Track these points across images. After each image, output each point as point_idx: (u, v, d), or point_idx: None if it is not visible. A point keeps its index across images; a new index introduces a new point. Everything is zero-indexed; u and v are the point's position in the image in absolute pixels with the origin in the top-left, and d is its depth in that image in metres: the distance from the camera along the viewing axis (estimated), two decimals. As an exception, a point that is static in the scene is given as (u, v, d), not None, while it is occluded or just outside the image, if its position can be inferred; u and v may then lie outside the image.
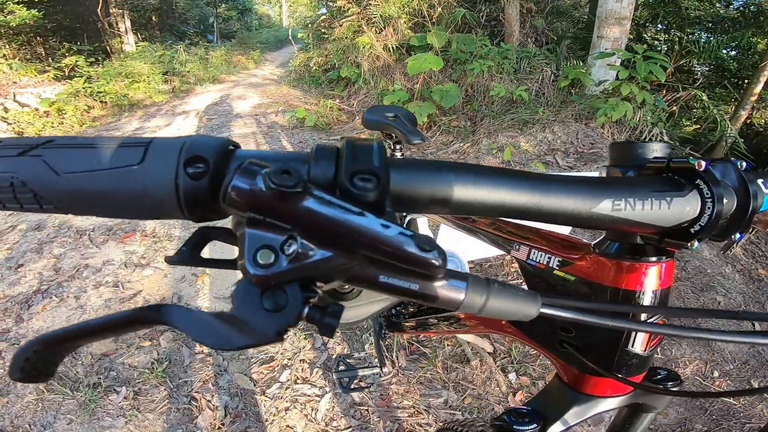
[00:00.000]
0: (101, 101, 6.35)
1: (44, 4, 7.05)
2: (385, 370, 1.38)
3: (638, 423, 0.52)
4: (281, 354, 1.75)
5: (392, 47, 5.02)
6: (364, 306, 0.30)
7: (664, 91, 4.52)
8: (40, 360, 0.26)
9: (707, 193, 0.32)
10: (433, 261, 0.22)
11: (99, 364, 1.69)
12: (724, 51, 5.60)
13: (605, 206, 0.31)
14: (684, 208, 0.33)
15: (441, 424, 1.34)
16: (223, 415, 1.49)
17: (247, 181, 0.22)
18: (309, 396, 1.58)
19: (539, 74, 4.25)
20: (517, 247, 0.57)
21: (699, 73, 5.98)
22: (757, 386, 1.66)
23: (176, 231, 2.62)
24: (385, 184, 0.24)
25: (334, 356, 1.74)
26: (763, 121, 6.64)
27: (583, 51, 4.68)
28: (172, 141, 0.25)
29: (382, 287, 0.24)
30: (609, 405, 0.48)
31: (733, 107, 5.25)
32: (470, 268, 2.28)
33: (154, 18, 11.36)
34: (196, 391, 1.58)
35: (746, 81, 5.15)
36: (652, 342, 0.43)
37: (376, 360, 1.42)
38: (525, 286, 0.55)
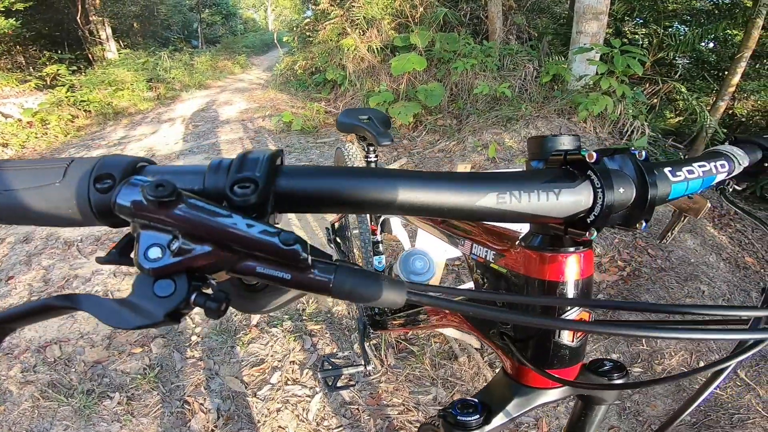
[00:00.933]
0: (85, 110, 6.29)
1: (22, 12, 6.96)
2: (369, 367, 1.41)
3: (592, 415, 0.53)
4: (271, 356, 1.77)
5: (376, 48, 5.04)
6: (269, 296, 0.33)
7: (647, 84, 4.59)
8: None
9: (598, 184, 0.34)
10: (295, 253, 0.27)
11: (92, 371, 1.71)
12: (703, 44, 5.69)
13: (489, 200, 0.33)
14: (576, 198, 0.34)
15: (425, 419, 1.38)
16: (215, 417, 1.52)
17: (128, 195, 0.26)
18: (300, 396, 1.60)
19: (522, 71, 4.29)
20: (462, 242, 0.59)
21: (679, 66, 6.07)
22: (743, 375, 1.68)
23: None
24: (264, 189, 0.28)
25: (322, 356, 1.77)
26: (745, 111, 6.75)
27: (564, 46, 4.73)
28: (88, 160, 0.29)
29: (261, 276, 0.28)
30: (550, 397, 0.48)
31: (714, 98, 5.34)
32: (456, 265, 2.32)
33: (135, 25, 11.26)
34: (188, 395, 1.60)
35: (725, 72, 5.24)
36: (580, 333, 0.44)
37: (361, 358, 1.45)
38: (471, 281, 0.58)
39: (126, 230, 0.29)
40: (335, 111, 5.30)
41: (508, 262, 0.47)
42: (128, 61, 8.24)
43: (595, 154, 0.34)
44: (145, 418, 1.52)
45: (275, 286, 0.31)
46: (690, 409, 0.37)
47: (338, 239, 1.68)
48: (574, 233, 0.36)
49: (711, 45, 6.01)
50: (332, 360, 1.43)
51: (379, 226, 1.32)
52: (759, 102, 6.32)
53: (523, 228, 0.47)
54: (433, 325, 0.92)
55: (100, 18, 9.07)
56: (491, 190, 0.33)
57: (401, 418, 1.53)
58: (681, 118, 6.07)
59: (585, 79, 3.87)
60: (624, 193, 0.34)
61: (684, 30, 5.45)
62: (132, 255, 0.30)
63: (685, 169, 0.40)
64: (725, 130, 6.27)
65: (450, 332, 1.83)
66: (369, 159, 1.31)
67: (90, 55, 8.93)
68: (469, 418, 0.48)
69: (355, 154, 1.57)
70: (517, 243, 0.46)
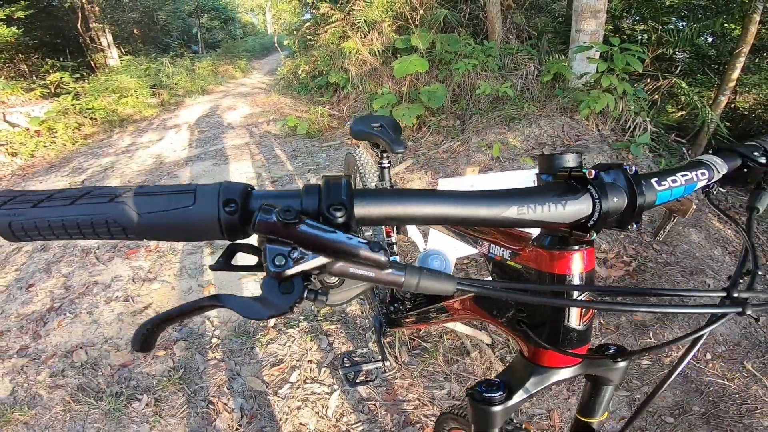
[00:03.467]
0: (91, 118, 6.36)
1: (23, 21, 7.03)
2: (387, 363, 1.46)
3: (601, 395, 0.60)
4: (289, 356, 1.83)
5: (378, 51, 5.09)
6: (346, 291, 0.41)
7: (648, 80, 4.61)
8: (149, 336, 0.40)
9: (596, 196, 0.42)
10: (380, 257, 0.35)
11: (119, 374, 1.78)
12: (702, 39, 5.70)
13: (512, 212, 0.41)
14: (579, 207, 0.42)
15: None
16: (239, 416, 1.58)
17: (266, 217, 0.34)
18: (319, 394, 1.66)
19: (523, 70, 4.32)
20: (481, 243, 0.66)
21: (680, 61, 6.09)
22: (749, 366, 1.73)
23: (179, 245, 2.69)
24: (350, 210, 0.37)
25: (339, 355, 1.83)
26: (747, 104, 6.77)
27: (564, 45, 4.76)
28: (211, 187, 0.36)
29: (352, 276, 0.37)
30: (563, 375, 0.55)
31: (715, 93, 5.35)
32: (465, 264, 2.37)
33: (136, 31, 11.31)
34: (212, 396, 1.66)
35: (725, 67, 5.26)
36: (585, 317, 0.51)
37: (379, 355, 1.50)
38: (489, 277, 0.65)
39: (225, 244, 0.36)
40: (339, 114, 5.35)
41: (523, 259, 0.54)
42: (130, 67, 8.32)
43: (594, 172, 0.42)
44: (173, 419, 1.58)
45: (348, 282, 0.39)
46: (672, 377, 0.44)
47: None
48: (578, 235, 0.44)
49: (710, 40, 6.02)
50: (351, 357, 1.48)
51: (394, 228, 1.38)
52: (761, 95, 6.33)
53: (535, 230, 0.53)
54: (446, 320, 0.98)
55: (101, 25, 9.12)
56: (514, 204, 0.42)
57: (417, 412, 1.58)
58: (684, 113, 6.09)
59: (586, 77, 3.90)
60: (617, 201, 0.42)
61: (682, 25, 5.47)
62: (232, 262, 0.39)
63: (669, 178, 0.48)
64: (728, 124, 6.28)
65: (461, 328, 1.88)
66: (383, 165, 1.37)
67: (92, 63, 9.00)
68: (494, 395, 0.55)
69: (366, 159, 1.63)
70: (530, 243, 0.52)
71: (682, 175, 0.49)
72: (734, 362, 1.81)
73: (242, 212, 0.36)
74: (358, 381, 1.45)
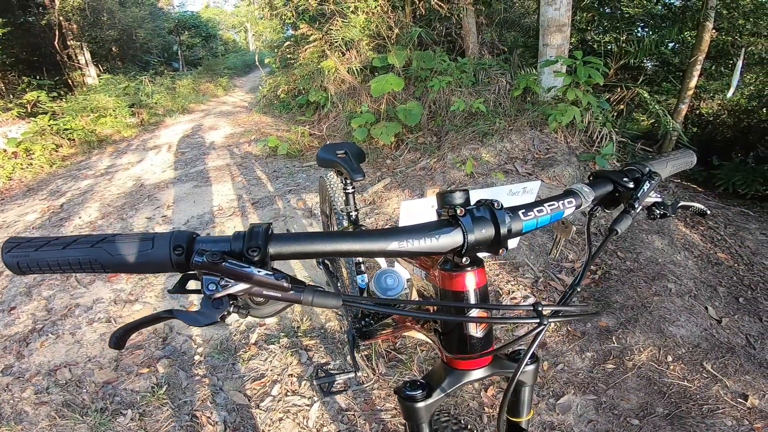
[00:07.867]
0: (69, 138, 6.29)
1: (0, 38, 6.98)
2: (359, 374, 1.53)
3: (520, 396, 0.68)
4: (271, 371, 1.89)
5: (356, 69, 5.19)
6: (271, 306, 0.52)
7: (618, 90, 4.73)
8: (122, 338, 0.53)
9: (464, 230, 0.52)
10: (281, 284, 0.46)
11: (103, 390, 1.82)
12: (666, 47, 5.86)
13: (394, 245, 0.52)
14: (452, 239, 0.53)
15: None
16: (223, 429, 1.63)
17: (200, 258, 0.46)
18: (299, 406, 1.72)
19: (495, 85, 4.42)
20: (411, 265, 0.75)
21: (647, 69, 6.27)
22: (709, 368, 1.82)
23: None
24: (264, 250, 0.49)
25: (316, 366, 1.89)
26: (711, 110, 7.02)
27: (534, 59, 4.85)
28: (166, 236, 0.48)
29: (266, 296, 0.48)
30: (474, 376, 0.62)
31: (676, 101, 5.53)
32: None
33: (114, 49, 11.28)
34: (196, 409, 1.72)
35: (683, 74, 5.41)
36: (481, 325, 0.59)
37: (351, 366, 1.58)
38: (416, 295, 0.75)
39: (177, 275, 0.50)
40: (319, 134, 5.41)
41: (432, 279, 0.63)
42: (109, 86, 8.25)
43: (464, 210, 0.53)
44: (157, 432, 1.64)
45: (272, 301, 0.51)
46: (520, 370, 0.53)
47: (326, 261, 1.82)
48: (457, 260, 0.55)
49: (676, 47, 6.15)
50: (326, 368, 1.56)
51: None
52: (724, 101, 6.54)
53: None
54: (399, 330, 1.08)
55: (78, 43, 9.09)
56: (395, 239, 0.52)
57: (394, 420, 1.65)
58: (652, 121, 6.26)
59: (553, 91, 3.98)
60: (485, 232, 0.53)
61: (643, 35, 5.64)
62: (186, 287, 0.52)
63: (535, 209, 0.57)
64: (696, 130, 6.49)
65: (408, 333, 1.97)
66: (347, 191, 1.47)
67: (70, 81, 8.95)
68: (415, 393, 0.63)
69: (336, 183, 1.72)
70: (437, 265, 0.61)
71: (549, 205, 0.58)
72: (694, 364, 1.87)
73: (187, 253, 0.48)
74: (332, 390, 1.53)
